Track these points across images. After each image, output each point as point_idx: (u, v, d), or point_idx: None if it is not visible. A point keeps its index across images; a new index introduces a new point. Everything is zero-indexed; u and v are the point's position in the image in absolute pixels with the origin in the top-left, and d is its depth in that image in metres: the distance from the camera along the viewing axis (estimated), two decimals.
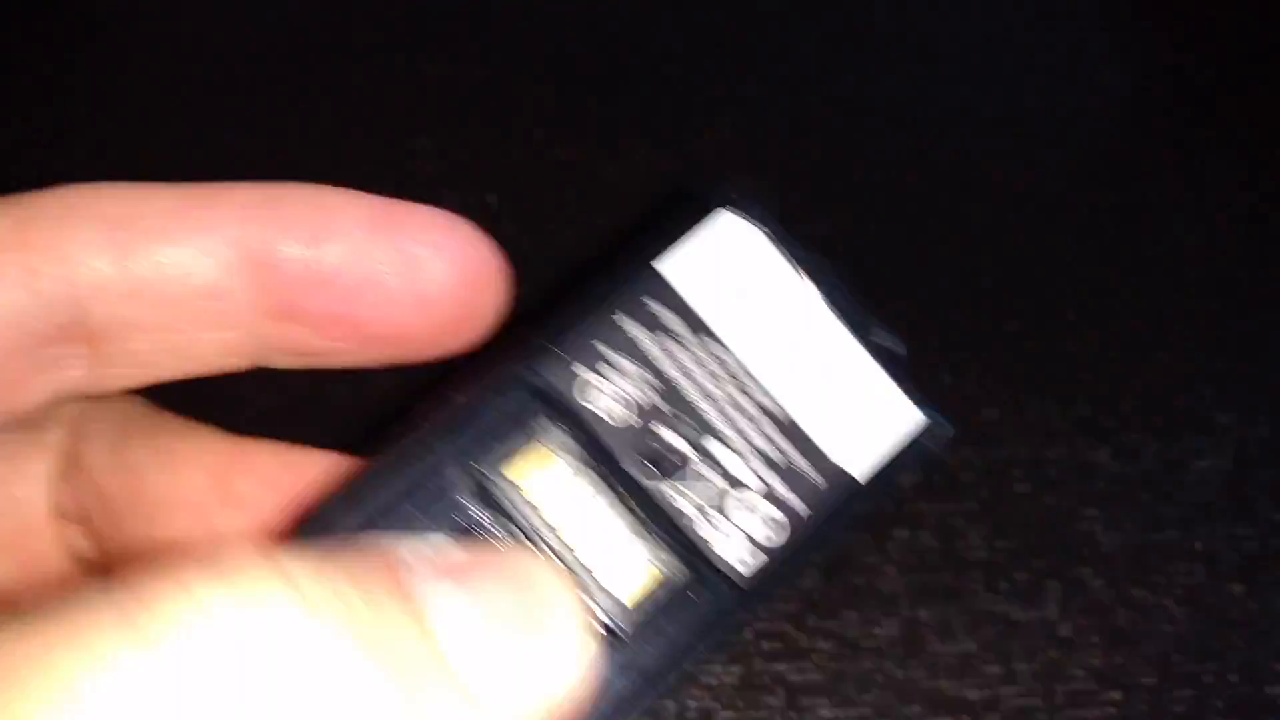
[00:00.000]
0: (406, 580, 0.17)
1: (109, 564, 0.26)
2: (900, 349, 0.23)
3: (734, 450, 0.22)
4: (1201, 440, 0.39)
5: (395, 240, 0.23)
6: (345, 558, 0.17)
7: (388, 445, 0.21)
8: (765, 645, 0.36)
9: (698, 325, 0.22)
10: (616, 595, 0.21)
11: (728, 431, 0.22)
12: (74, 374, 0.23)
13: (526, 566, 0.18)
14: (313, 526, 0.21)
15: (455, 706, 0.16)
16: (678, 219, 0.22)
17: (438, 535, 0.20)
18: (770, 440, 0.22)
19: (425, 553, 0.18)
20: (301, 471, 0.25)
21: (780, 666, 0.35)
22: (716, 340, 0.22)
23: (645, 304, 0.22)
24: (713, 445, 0.22)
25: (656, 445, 0.21)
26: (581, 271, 0.23)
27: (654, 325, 0.22)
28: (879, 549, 0.37)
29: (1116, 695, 0.36)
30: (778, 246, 0.23)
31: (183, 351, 0.24)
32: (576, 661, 0.18)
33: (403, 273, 0.24)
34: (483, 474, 0.21)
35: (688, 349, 0.22)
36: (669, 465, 0.21)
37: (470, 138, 0.42)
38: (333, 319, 0.24)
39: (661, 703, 0.35)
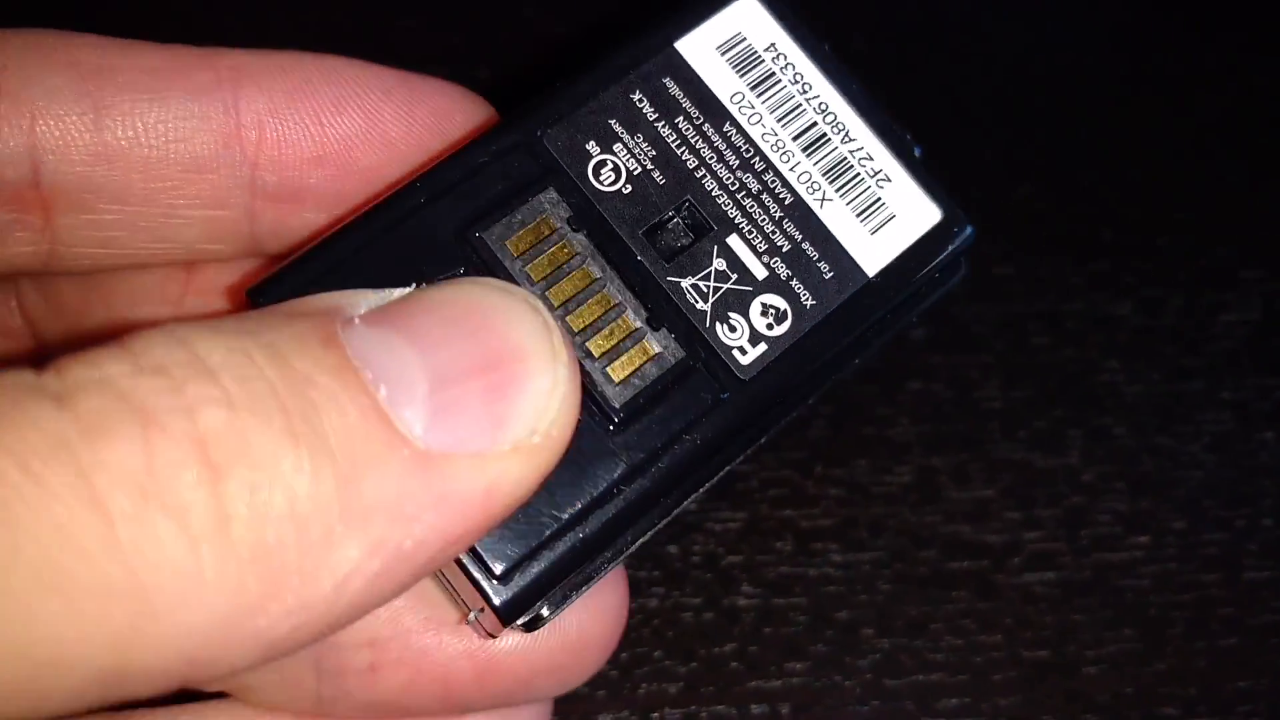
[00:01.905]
0: (342, 337, 0.16)
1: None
2: (915, 148, 0.23)
3: (741, 235, 0.21)
4: (1227, 294, 0.39)
5: (413, 112, 0.22)
6: (269, 321, 0.16)
7: (378, 204, 0.21)
8: (771, 492, 0.35)
9: (714, 108, 0.22)
10: (606, 368, 0.20)
11: (736, 216, 0.21)
12: (22, 250, 0.21)
13: (481, 298, 0.17)
14: (280, 278, 0.20)
15: (417, 476, 0.16)
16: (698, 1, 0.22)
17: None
18: (779, 226, 0.22)
19: (370, 301, 0.17)
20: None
21: (788, 512, 0.35)
22: (733, 123, 0.22)
23: (664, 84, 0.22)
24: (720, 228, 0.21)
25: (662, 226, 0.21)
26: (599, 46, 0.23)
27: (671, 106, 0.22)
28: (890, 400, 0.37)
29: (1144, 539, 0.35)
30: (797, 38, 0.23)
31: (159, 231, 0.22)
32: (551, 401, 0.17)
33: (421, 149, 0.22)
34: (474, 235, 0.20)
35: (702, 132, 0.22)
36: (674, 246, 0.21)
37: (458, 16, 0.43)
38: (342, 199, 0.22)
39: (662, 545, 0.35)
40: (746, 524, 0.35)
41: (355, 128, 0.22)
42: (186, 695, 0.24)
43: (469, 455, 0.16)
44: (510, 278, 0.20)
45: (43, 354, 0.24)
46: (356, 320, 0.16)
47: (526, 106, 0.22)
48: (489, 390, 0.16)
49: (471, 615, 0.21)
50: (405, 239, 0.20)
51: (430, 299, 0.17)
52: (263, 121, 0.22)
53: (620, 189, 0.21)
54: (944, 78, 0.42)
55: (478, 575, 0.19)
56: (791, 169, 0.22)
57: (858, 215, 0.22)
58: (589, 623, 0.23)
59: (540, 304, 0.18)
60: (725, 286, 0.21)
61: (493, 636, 0.21)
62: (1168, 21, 0.44)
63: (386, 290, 0.17)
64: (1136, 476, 0.36)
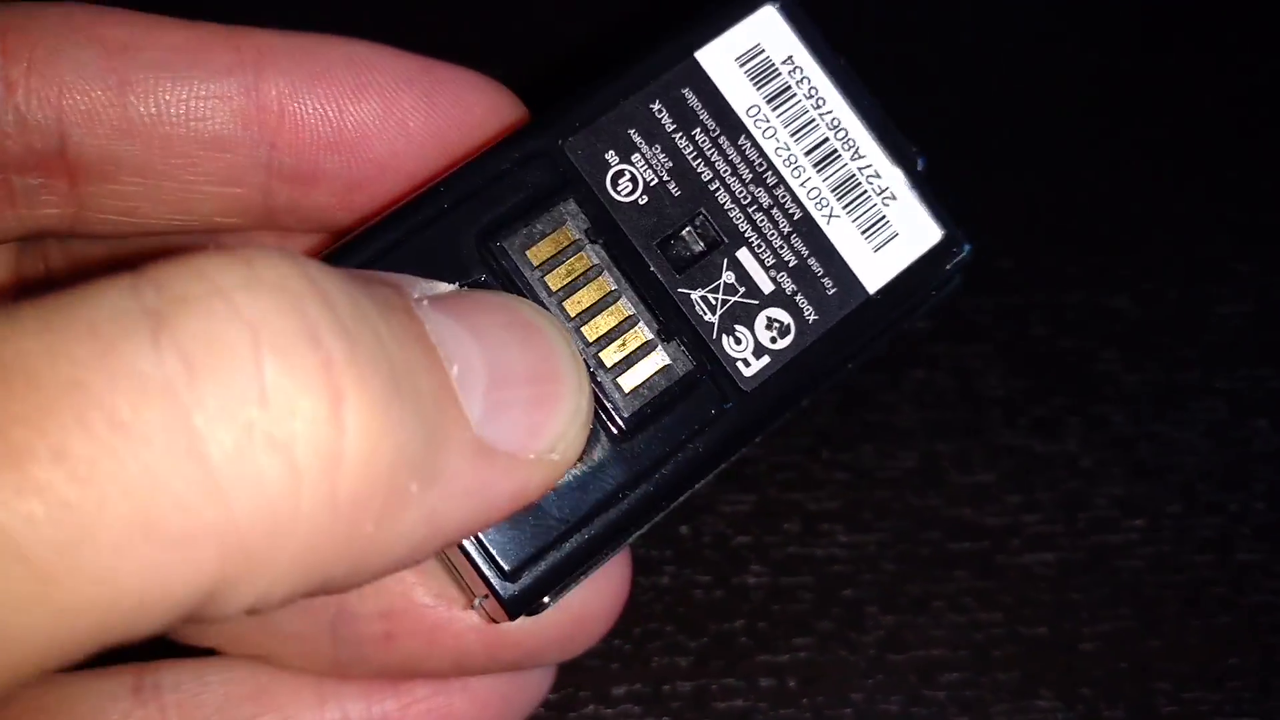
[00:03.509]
0: (419, 313, 0.17)
1: None
2: (919, 159, 0.24)
3: (750, 249, 0.22)
4: (1222, 287, 0.41)
5: (434, 103, 0.23)
6: (356, 278, 0.16)
7: (402, 206, 0.22)
8: (779, 476, 0.37)
9: (731, 121, 0.23)
10: (617, 378, 0.21)
11: (747, 230, 0.22)
12: (49, 212, 0.22)
13: (530, 315, 0.19)
14: None
15: (470, 459, 0.17)
16: (719, 8, 0.23)
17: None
18: (787, 241, 0.23)
19: (422, 288, 0.18)
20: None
21: (796, 495, 0.37)
22: (748, 137, 0.23)
23: (683, 95, 0.23)
24: (731, 242, 0.22)
25: (675, 237, 0.22)
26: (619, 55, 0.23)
27: (689, 118, 0.23)
28: (894, 388, 0.39)
29: (1140, 522, 0.37)
30: (814, 51, 0.23)
31: (178, 204, 0.23)
32: (571, 426, 0.18)
33: (439, 139, 0.23)
34: (495, 244, 0.21)
35: (718, 144, 0.23)
36: (685, 258, 0.22)
37: (472, 12, 0.45)
38: (355, 185, 0.23)
39: (674, 526, 0.37)
40: (756, 506, 0.37)
41: (372, 116, 0.23)
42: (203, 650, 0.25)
43: (506, 454, 0.17)
44: (529, 286, 0.21)
45: None
46: (425, 302, 0.17)
47: (549, 113, 0.22)
48: (532, 401, 0.18)
49: (477, 601, 0.22)
50: (429, 243, 0.21)
51: (485, 302, 0.18)
52: (282, 104, 0.22)
53: (637, 200, 0.22)
54: (949, 73, 0.44)
55: (487, 572, 0.20)
56: (802, 184, 0.23)
57: (863, 232, 0.23)
58: (593, 598, 0.25)
59: (571, 336, 0.19)
60: (733, 299, 0.22)
61: (496, 622, 0.23)
62: (1169, 19, 0.46)
63: (432, 282, 0.19)
64: (1133, 462, 0.38)
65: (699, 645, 0.35)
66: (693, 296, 0.22)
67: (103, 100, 0.21)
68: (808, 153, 0.23)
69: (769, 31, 0.23)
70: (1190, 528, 0.37)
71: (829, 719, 0.34)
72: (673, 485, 0.22)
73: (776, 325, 0.22)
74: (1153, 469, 0.38)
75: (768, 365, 0.22)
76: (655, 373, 0.22)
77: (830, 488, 0.37)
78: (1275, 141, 0.44)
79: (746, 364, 0.22)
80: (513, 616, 0.21)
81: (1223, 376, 0.39)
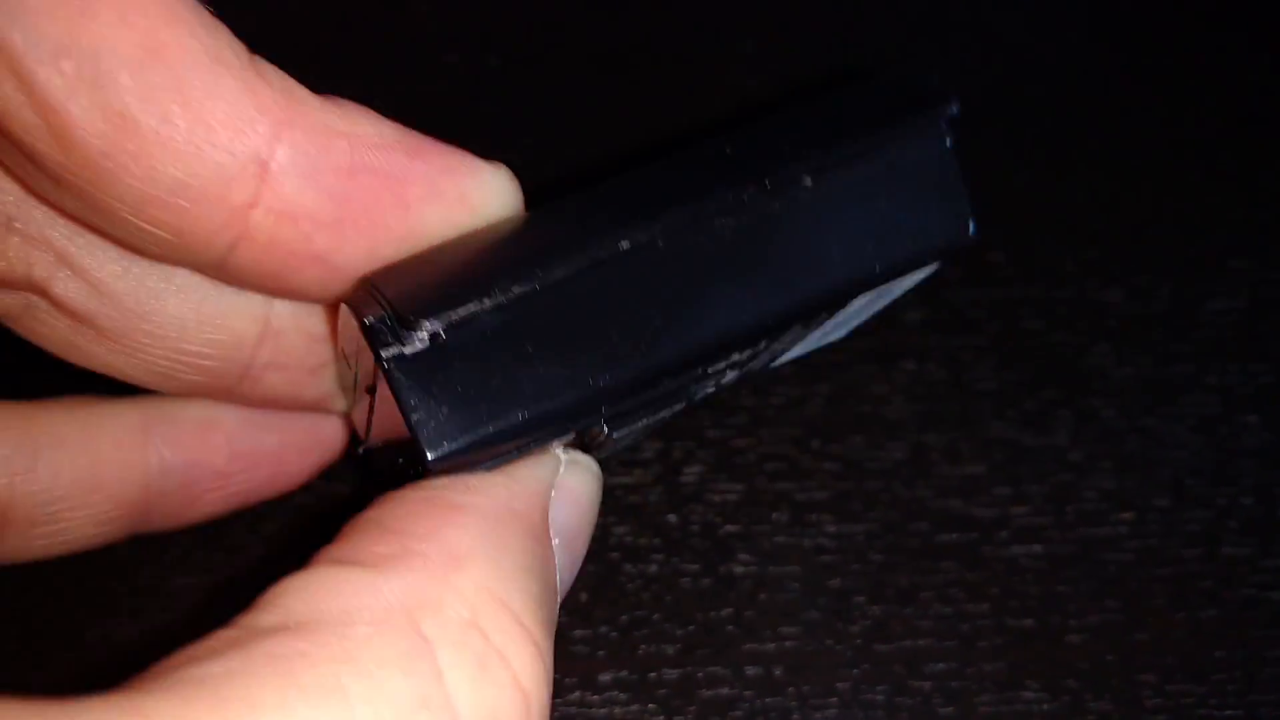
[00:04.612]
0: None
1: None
2: None
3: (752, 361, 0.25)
4: (1215, 283, 0.41)
5: None
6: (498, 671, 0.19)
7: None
8: (769, 466, 0.38)
9: None
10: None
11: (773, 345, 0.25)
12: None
13: (596, 501, 0.23)
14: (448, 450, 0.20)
15: None
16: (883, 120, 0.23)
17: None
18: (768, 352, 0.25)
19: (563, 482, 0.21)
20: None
21: (784, 485, 0.38)
22: None
23: None
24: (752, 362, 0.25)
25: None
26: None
27: None
28: (885, 379, 0.39)
29: (1128, 515, 0.37)
30: None
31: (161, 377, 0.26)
32: None
33: None
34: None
35: None
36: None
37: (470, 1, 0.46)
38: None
39: (662, 514, 0.37)
40: (744, 495, 0.37)
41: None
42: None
43: None
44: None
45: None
46: (557, 540, 0.20)
47: None
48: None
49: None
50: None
51: (583, 506, 0.22)
52: None
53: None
54: (946, 68, 0.45)
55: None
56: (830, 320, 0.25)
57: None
58: None
59: None
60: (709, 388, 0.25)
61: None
62: (1165, 15, 0.46)
63: (570, 464, 0.22)
64: (1122, 456, 0.38)
65: (686, 633, 0.35)
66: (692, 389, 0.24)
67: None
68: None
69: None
70: (1178, 522, 0.37)
71: (815, 708, 0.34)
72: None
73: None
74: (1142, 463, 0.38)
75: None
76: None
77: (819, 478, 0.38)
78: (1272, 137, 0.44)
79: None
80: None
81: (1214, 372, 0.40)
